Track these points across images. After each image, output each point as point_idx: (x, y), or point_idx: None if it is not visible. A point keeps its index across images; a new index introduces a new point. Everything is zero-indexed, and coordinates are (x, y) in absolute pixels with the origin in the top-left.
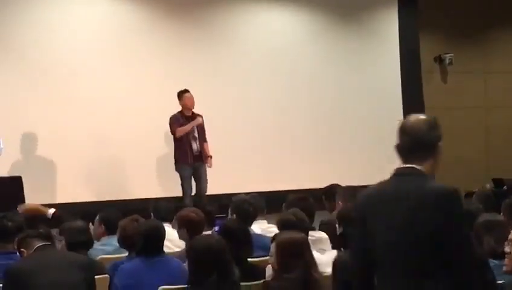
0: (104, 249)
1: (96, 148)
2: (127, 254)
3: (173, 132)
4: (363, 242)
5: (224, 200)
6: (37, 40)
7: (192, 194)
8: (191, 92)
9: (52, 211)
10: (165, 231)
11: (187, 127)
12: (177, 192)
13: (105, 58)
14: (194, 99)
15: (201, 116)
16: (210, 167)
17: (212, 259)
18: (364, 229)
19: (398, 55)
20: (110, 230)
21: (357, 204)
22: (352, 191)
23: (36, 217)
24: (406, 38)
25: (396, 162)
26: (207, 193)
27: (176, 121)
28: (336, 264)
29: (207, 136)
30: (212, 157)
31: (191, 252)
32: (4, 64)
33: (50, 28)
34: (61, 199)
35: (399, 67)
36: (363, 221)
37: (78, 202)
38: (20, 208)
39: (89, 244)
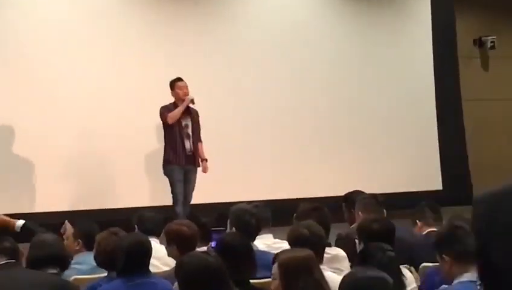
0: (79, 269)
1: (72, 149)
2: (105, 274)
3: (164, 120)
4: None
5: (222, 210)
6: (9, 29)
7: None
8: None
9: (21, 223)
10: (151, 246)
11: (179, 109)
12: (167, 201)
13: (87, 45)
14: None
15: (196, 110)
16: (205, 172)
17: (206, 280)
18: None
19: (431, 37)
20: (88, 246)
21: (484, 211)
22: (375, 200)
23: (0, 230)
24: (441, 18)
25: (429, 167)
26: (202, 202)
27: (167, 110)
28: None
29: (202, 134)
30: (208, 160)
31: (180, 273)
32: None
33: (23, 13)
34: (31, 208)
35: (431, 51)
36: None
37: (52, 211)
38: None
39: (62, 261)
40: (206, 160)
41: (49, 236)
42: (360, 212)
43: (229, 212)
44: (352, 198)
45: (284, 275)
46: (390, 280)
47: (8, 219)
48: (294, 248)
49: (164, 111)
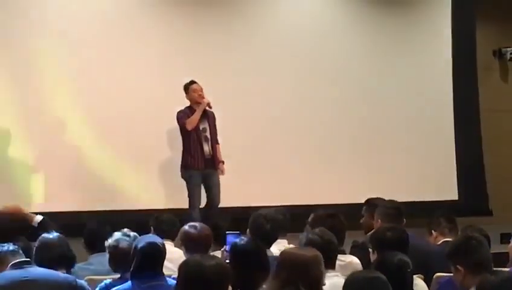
0: (91, 269)
1: (87, 148)
2: (118, 275)
3: (182, 126)
4: None
5: (237, 215)
6: (16, 25)
7: (201, 206)
8: (200, 84)
9: (39, 218)
10: (165, 249)
11: (196, 114)
12: (184, 204)
13: (98, 44)
14: (207, 91)
15: (213, 112)
16: (223, 174)
17: (199, 287)
18: None
19: (451, 47)
20: (93, 247)
21: None
22: (398, 211)
23: (15, 225)
24: (461, 28)
25: (445, 176)
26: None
27: (184, 115)
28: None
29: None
30: (225, 163)
31: (178, 275)
32: None
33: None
34: (42, 208)
35: (451, 62)
36: None
37: (65, 211)
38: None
39: (69, 262)
40: (223, 162)
41: (55, 236)
42: (379, 220)
43: (244, 216)
44: (374, 203)
45: (278, 266)
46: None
47: (27, 212)
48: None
49: (181, 116)
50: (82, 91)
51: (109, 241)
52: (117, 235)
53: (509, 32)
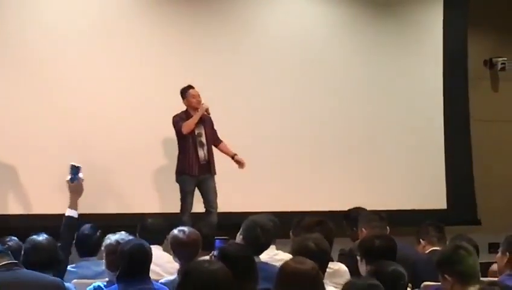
0: (78, 272)
1: (77, 152)
2: (106, 279)
3: (178, 130)
4: None
5: (223, 220)
6: (7, 28)
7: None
8: (197, 88)
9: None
10: (151, 252)
11: (194, 119)
12: (176, 208)
13: (94, 47)
14: (201, 97)
15: (209, 116)
16: (243, 164)
17: None
18: None
19: (442, 56)
20: (83, 251)
21: None
22: (378, 216)
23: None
24: (452, 37)
25: (434, 185)
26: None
27: (181, 119)
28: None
29: None
30: (216, 168)
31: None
32: None
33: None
34: (34, 210)
35: (442, 71)
36: None
37: (54, 214)
38: None
39: (57, 265)
40: (236, 154)
41: (43, 238)
42: (363, 229)
43: (244, 221)
44: (353, 215)
45: (280, 284)
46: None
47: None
48: (298, 258)
49: (178, 121)
50: (76, 95)
51: (108, 242)
52: (117, 237)
53: (501, 43)
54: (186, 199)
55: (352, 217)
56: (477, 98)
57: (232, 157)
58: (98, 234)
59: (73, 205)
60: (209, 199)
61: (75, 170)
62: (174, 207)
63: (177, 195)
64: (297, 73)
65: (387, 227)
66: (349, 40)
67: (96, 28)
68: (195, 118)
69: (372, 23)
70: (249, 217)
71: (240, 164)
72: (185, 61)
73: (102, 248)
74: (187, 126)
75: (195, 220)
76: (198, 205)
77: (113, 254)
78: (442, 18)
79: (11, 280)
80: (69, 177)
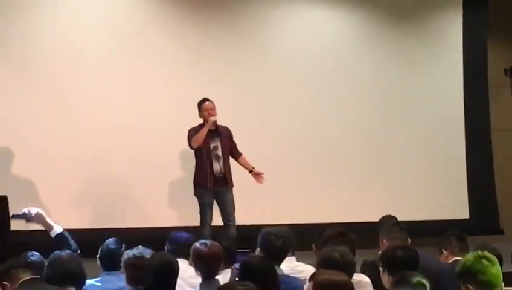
0: (100, 286)
1: (97, 165)
2: None
3: (189, 144)
4: None
5: (245, 233)
6: (24, 38)
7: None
8: (212, 101)
9: (58, 229)
10: (178, 266)
11: (202, 133)
12: (195, 221)
13: (110, 58)
14: (217, 109)
15: (227, 128)
16: (261, 178)
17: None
18: None
19: (462, 65)
20: (107, 265)
21: None
22: (398, 226)
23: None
24: (472, 46)
25: (456, 195)
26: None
27: (194, 133)
28: None
29: None
30: (233, 181)
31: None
32: None
33: (43, 23)
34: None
35: (462, 80)
36: None
37: (75, 228)
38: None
39: (79, 280)
40: (253, 168)
41: (66, 253)
42: (384, 240)
43: (259, 234)
44: (381, 224)
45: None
46: None
47: (48, 221)
48: (330, 270)
49: (191, 135)
50: (92, 106)
51: (126, 258)
52: (134, 251)
53: None
54: (205, 212)
55: (379, 226)
56: (497, 107)
57: (250, 172)
58: (122, 248)
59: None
60: (227, 211)
61: (19, 217)
62: (194, 220)
63: (197, 208)
64: (316, 85)
65: (408, 238)
66: (368, 50)
67: (114, 37)
68: (203, 132)
69: (392, 33)
70: (262, 230)
71: (258, 177)
72: (202, 71)
73: (121, 264)
74: (195, 141)
75: (216, 233)
76: (219, 218)
77: (133, 268)
78: (462, 27)
79: None
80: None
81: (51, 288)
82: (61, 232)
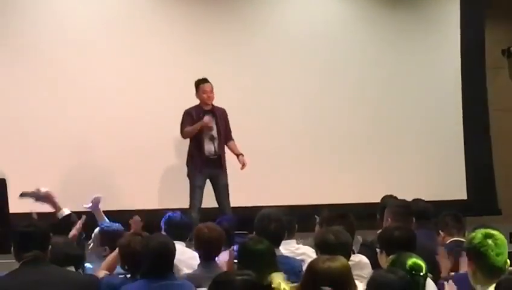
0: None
1: (92, 148)
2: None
3: (181, 132)
4: None
5: (244, 215)
6: (30, 28)
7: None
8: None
9: (65, 211)
10: (175, 248)
11: (194, 128)
12: (184, 203)
13: (107, 46)
14: (215, 91)
15: (223, 109)
16: (244, 166)
17: None
18: None
19: (459, 46)
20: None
21: None
22: (407, 209)
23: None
24: (469, 27)
25: (454, 176)
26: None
27: (188, 118)
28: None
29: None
30: (231, 165)
31: None
32: None
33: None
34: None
35: (459, 61)
36: None
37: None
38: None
39: (78, 260)
40: (242, 155)
41: (59, 238)
42: (389, 219)
43: (251, 216)
44: (383, 204)
45: (313, 284)
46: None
47: (56, 202)
48: (331, 256)
49: (184, 120)
50: (86, 90)
51: (120, 241)
52: (127, 234)
53: None
54: (194, 195)
55: (381, 206)
56: (495, 87)
57: (237, 156)
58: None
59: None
60: (221, 196)
61: (29, 195)
62: (184, 202)
63: (186, 190)
64: (313, 67)
65: (413, 219)
66: (367, 32)
67: (110, 28)
68: (196, 127)
69: (389, 15)
70: (259, 213)
71: (243, 165)
72: (197, 59)
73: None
74: (187, 134)
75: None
76: (207, 201)
77: (125, 252)
78: (459, 8)
79: (32, 278)
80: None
81: (53, 267)
82: (69, 215)
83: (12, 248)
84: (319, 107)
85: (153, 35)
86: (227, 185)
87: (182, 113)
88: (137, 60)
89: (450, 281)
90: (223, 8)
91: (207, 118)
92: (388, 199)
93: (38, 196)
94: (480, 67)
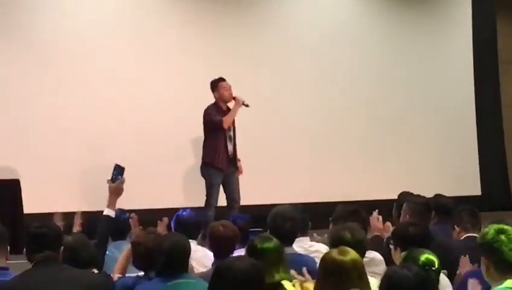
0: (116, 256)
1: (104, 149)
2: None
3: (217, 123)
4: None
5: (258, 213)
6: (42, 27)
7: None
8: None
9: (112, 214)
10: (190, 247)
11: (232, 113)
12: (200, 202)
13: (120, 42)
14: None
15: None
16: (241, 173)
17: None
18: None
19: (471, 42)
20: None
21: None
22: (427, 207)
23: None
24: (481, 22)
25: (468, 172)
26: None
27: (214, 110)
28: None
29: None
30: (245, 162)
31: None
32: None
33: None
34: (63, 208)
35: (472, 57)
36: None
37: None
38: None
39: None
40: (239, 160)
41: (68, 237)
42: (408, 216)
43: (265, 214)
44: (401, 201)
45: (323, 275)
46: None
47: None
48: (342, 248)
49: (213, 114)
50: (98, 89)
51: (133, 239)
52: (141, 234)
53: None
54: (212, 194)
55: (398, 203)
56: (508, 83)
57: (238, 160)
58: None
59: (111, 205)
60: (233, 195)
61: (118, 170)
62: (199, 201)
63: (200, 189)
64: (321, 63)
65: (431, 216)
66: (379, 27)
67: (124, 28)
68: (234, 112)
69: (401, 8)
70: (272, 210)
71: (240, 172)
72: (207, 59)
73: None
74: (227, 121)
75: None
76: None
77: (137, 251)
78: (471, 4)
79: (45, 279)
80: (110, 176)
81: (65, 268)
82: (113, 218)
83: (24, 249)
84: (335, 106)
85: (164, 36)
86: (238, 182)
87: (191, 113)
88: (149, 59)
89: (474, 279)
90: (236, 6)
91: (242, 97)
92: (406, 196)
93: (118, 181)
94: (492, 62)
